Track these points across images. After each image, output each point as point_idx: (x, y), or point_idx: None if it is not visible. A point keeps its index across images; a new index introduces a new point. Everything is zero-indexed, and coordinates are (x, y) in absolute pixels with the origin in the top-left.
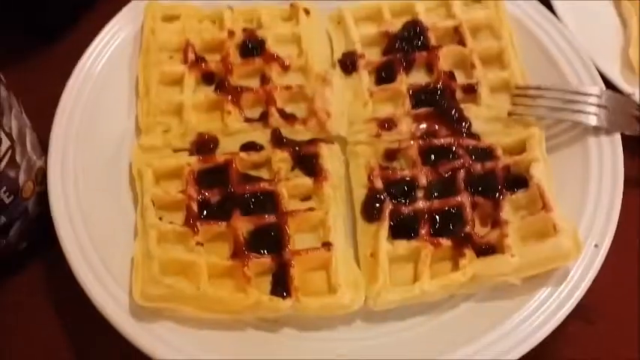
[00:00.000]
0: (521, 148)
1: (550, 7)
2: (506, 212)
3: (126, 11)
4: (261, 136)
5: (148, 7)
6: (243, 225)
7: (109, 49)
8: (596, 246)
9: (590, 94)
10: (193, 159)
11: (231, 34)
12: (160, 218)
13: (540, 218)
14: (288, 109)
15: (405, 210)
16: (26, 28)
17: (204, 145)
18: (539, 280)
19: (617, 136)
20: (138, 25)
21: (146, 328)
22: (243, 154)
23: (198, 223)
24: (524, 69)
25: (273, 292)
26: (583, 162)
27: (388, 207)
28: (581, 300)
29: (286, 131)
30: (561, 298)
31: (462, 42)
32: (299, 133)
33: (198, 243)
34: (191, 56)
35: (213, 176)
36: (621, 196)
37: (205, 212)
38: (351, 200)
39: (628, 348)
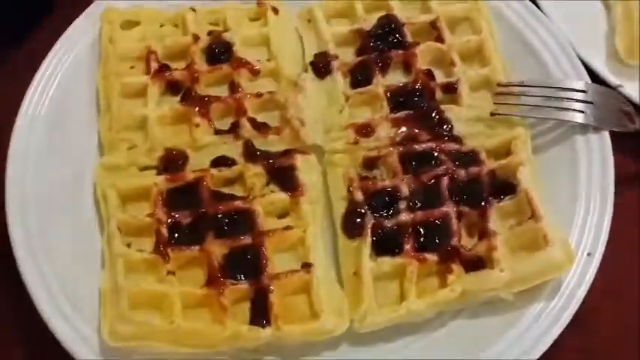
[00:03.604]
0: (505, 150)
1: None
2: (494, 222)
3: (82, 19)
4: (232, 149)
5: (105, 14)
6: (217, 248)
7: (65, 62)
8: (589, 254)
9: (576, 90)
10: (161, 178)
11: (195, 38)
12: (129, 245)
13: (529, 228)
14: (260, 118)
15: (388, 224)
16: None
17: (172, 161)
18: (532, 293)
19: (606, 134)
20: (96, 33)
21: None
22: (214, 171)
23: (169, 249)
24: (505, 63)
25: (252, 321)
26: (571, 163)
27: (370, 221)
28: (578, 311)
29: (259, 142)
30: (555, 312)
31: (439, 38)
32: (272, 144)
33: (169, 272)
34: (154, 65)
35: (183, 196)
36: (613, 199)
37: (176, 236)
38: (330, 214)
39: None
